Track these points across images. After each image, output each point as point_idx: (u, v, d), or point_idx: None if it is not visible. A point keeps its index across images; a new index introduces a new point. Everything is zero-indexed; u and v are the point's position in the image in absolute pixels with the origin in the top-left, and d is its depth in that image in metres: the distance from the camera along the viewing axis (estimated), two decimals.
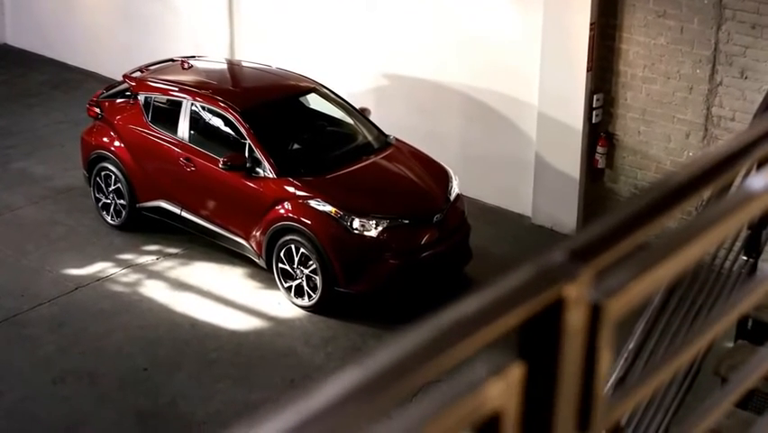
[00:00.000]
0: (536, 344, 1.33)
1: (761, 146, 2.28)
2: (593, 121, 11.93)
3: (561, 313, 1.33)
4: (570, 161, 12.11)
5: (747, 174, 4.25)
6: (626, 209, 1.56)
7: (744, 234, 5.60)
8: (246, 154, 10.95)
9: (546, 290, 1.31)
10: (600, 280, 1.39)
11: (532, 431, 1.33)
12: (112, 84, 13.04)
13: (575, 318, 1.35)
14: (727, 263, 5.54)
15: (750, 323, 5.53)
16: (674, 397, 5.19)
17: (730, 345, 5.53)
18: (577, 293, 1.35)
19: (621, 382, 4.80)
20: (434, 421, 1.18)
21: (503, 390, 1.26)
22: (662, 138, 11.61)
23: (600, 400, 1.44)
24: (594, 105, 11.85)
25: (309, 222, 10.52)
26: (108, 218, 12.30)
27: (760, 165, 3.85)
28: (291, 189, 10.71)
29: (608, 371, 1.44)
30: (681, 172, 1.69)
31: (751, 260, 5.59)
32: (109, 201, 12.26)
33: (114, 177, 12.13)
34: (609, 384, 4.82)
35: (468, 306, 1.27)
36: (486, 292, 1.30)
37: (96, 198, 12.40)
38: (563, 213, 12.24)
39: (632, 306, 1.44)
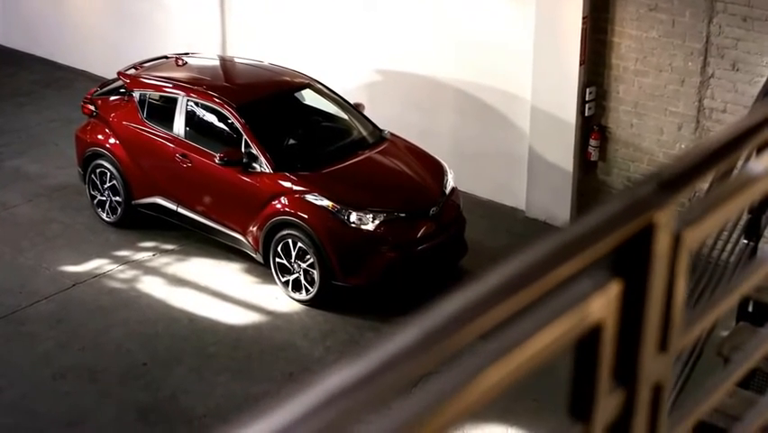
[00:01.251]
0: (631, 264, 1.45)
1: (761, 132, 2.35)
2: (586, 114, 12.02)
3: (651, 238, 1.47)
4: (563, 155, 12.20)
5: (748, 159, 4.34)
6: (701, 151, 1.69)
7: (744, 218, 5.69)
8: (242, 150, 11.00)
9: (640, 216, 1.45)
10: (681, 212, 1.52)
11: (624, 345, 1.45)
12: (106, 81, 13.06)
13: (662, 243, 1.49)
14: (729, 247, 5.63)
15: (751, 305, 5.62)
16: (678, 376, 5.28)
17: (732, 326, 5.62)
18: (665, 220, 1.48)
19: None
20: (546, 330, 1.32)
21: (604, 304, 1.39)
22: (654, 130, 11.70)
23: (677, 324, 1.54)
24: (587, 99, 11.94)
25: (307, 216, 10.58)
26: (104, 215, 12.33)
27: (759, 150, 3.93)
28: (288, 184, 10.77)
29: (683, 299, 1.53)
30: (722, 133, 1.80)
31: (751, 243, 5.69)
32: (104, 198, 12.29)
33: (109, 174, 12.17)
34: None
35: (574, 229, 1.40)
36: (588, 217, 1.43)
37: (91, 195, 12.43)
38: (557, 206, 12.33)
39: (705, 237, 1.54)
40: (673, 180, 1.58)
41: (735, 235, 5.63)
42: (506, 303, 1.28)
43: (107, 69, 15.46)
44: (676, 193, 1.53)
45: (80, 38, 17.06)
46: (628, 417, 1.52)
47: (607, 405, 1.48)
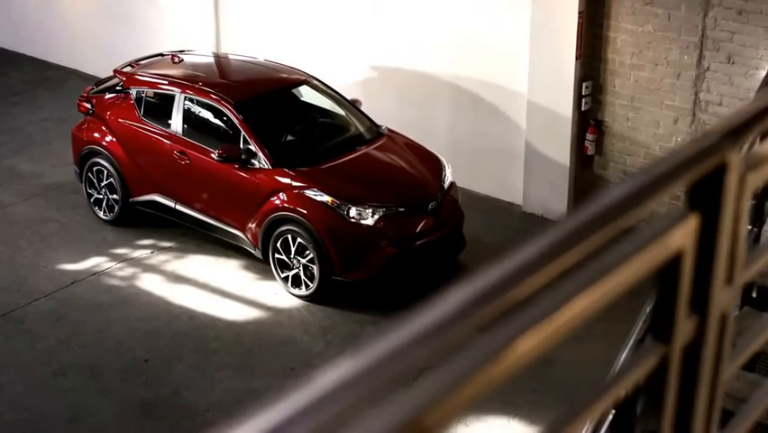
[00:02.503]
0: (706, 200, 1.60)
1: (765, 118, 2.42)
2: (582, 109, 12.07)
3: (724, 176, 1.60)
4: (559, 149, 12.24)
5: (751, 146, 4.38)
6: (763, 103, 1.77)
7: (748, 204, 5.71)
8: (241, 146, 11.00)
9: (715, 156, 1.58)
10: (743, 157, 1.67)
11: (697, 275, 1.60)
12: (101, 79, 13.04)
13: (732, 182, 1.63)
14: None
15: (754, 290, 5.65)
16: None
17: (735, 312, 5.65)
18: (735, 162, 1.61)
19: (640, 342, 4.92)
20: (636, 256, 1.44)
21: (684, 235, 1.54)
22: (650, 124, 11.76)
23: (741, 260, 1.72)
24: (583, 93, 11.99)
25: (306, 212, 10.59)
26: (100, 213, 12.32)
27: (763, 137, 3.97)
28: (287, 180, 10.78)
29: (745, 236, 1.69)
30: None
31: (755, 229, 5.72)
32: (101, 196, 12.27)
33: (106, 172, 12.15)
34: (630, 343, 4.94)
35: (655, 167, 1.52)
36: (668, 157, 1.56)
37: (87, 193, 12.41)
38: (554, 200, 12.37)
39: (762, 182, 1.72)
40: (740, 127, 1.70)
41: None
42: (600, 233, 1.39)
43: (99, 67, 15.45)
44: (743, 138, 1.66)
45: (71, 37, 17.03)
46: (700, 341, 1.67)
47: (684, 329, 1.62)
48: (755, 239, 5.70)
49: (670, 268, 1.56)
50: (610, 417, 4.66)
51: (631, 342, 4.93)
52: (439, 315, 1.21)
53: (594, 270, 1.40)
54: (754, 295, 5.70)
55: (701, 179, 1.58)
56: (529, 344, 1.29)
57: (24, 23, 17.65)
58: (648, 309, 5.02)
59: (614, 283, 1.40)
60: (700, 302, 1.64)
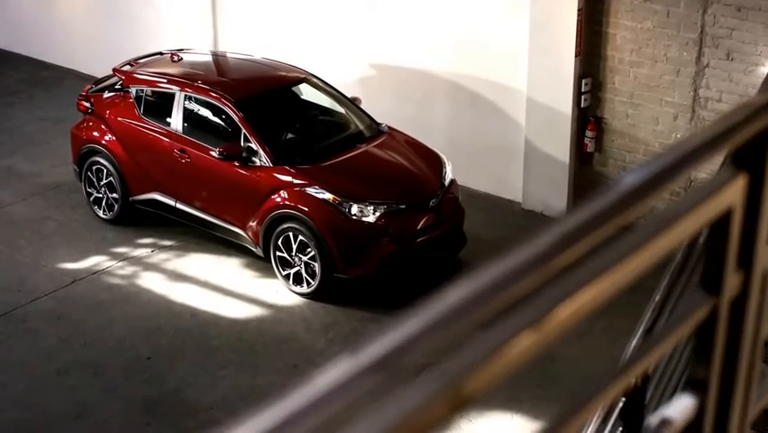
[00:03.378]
0: (754, 161, 1.69)
1: None
2: (582, 105, 12.10)
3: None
4: (559, 146, 12.27)
5: None
6: None
7: None
8: (241, 144, 11.01)
9: (761, 119, 1.67)
10: None
11: (744, 232, 1.70)
12: (101, 78, 13.03)
13: None
14: None
15: None
16: (684, 347, 5.34)
17: None
18: None
19: (649, 331, 4.94)
20: (692, 211, 1.54)
21: (734, 193, 1.64)
22: (650, 121, 11.79)
23: None
24: (582, 90, 12.02)
25: (307, 209, 10.60)
26: (100, 213, 12.31)
27: None
28: (288, 178, 10.79)
29: None
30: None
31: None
32: (101, 195, 12.26)
33: (105, 171, 12.14)
34: (639, 334, 4.97)
35: (708, 130, 1.61)
36: (719, 120, 1.64)
37: (87, 192, 12.40)
38: (554, 197, 12.40)
39: None
40: None
41: None
42: (658, 190, 1.49)
43: (95, 67, 15.44)
44: None
45: (67, 37, 17.02)
46: (745, 296, 1.76)
47: (732, 282, 1.72)
48: None
49: (720, 224, 1.66)
50: (620, 404, 4.70)
51: (640, 331, 4.96)
52: (475, 291, 1.23)
53: (655, 222, 1.49)
54: None
55: (750, 140, 1.66)
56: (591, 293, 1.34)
57: (20, 22, 17.63)
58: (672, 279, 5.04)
59: (672, 237, 1.49)
60: (746, 259, 1.74)
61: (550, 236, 1.33)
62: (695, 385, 1.76)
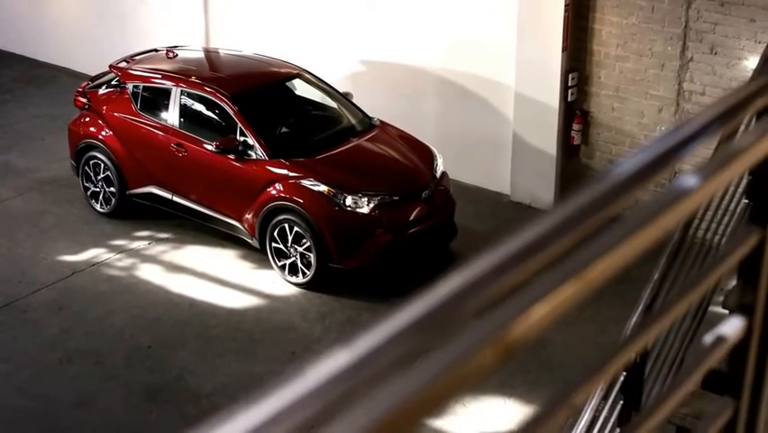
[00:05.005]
0: None
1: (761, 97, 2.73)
2: (569, 99, 12.37)
3: None
4: (546, 139, 12.54)
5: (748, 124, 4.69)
6: None
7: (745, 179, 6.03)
8: (237, 138, 11.25)
9: None
10: None
11: None
12: (97, 75, 13.24)
13: None
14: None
15: None
16: (689, 328, 5.62)
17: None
18: None
19: (649, 308, 5.22)
20: (741, 156, 1.76)
21: None
22: (635, 114, 12.08)
23: None
24: (569, 84, 12.30)
25: (303, 201, 10.85)
26: (97, 206, 12.53)
27: (759, 116, 4.27)
28: (283, 171, 11.04)
29: None
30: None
31: (752, 203, 6.03)
32: (98, 189, 12.49)
33: (103, 165, 12.36)
34: (639, 310, 5.25)
35: (743, 87, 1.85)
36: (741, 88, 1.86)
37: (84, 186, 12.62)
38: (541, 189, 12.67)
39: None
40: None
41: (737, 196, 5.96)
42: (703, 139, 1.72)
43: (88, 65, 15.65)
44: None
45: (60, 35, 17.19)
46: None
47: None
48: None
49: (765, 166, 1.92)
50: (621, 378, 4.97)
51: (640, 308, 5.23)
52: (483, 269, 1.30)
53: (715, 160, 1.72)
54: None
55: None
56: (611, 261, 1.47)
57: (13, 21, 17.79)
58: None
59: (725, 176, 1.73)
60: None
61: (588, 193, 1.48)
62: (743, 309, 1.96)
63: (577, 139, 12.53)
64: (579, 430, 5.12)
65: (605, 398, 5.15)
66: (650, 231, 1.52)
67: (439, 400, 1.17)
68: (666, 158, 1.64)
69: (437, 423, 8.97)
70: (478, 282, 1.27)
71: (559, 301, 1.34)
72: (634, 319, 5.23)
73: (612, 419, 5.02)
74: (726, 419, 2.04)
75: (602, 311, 9.82)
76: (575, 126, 12.48)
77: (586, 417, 5.12)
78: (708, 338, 1.88)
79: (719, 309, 6.00)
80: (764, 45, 10.11)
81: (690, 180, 1.67)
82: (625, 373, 4.91)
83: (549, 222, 1.39)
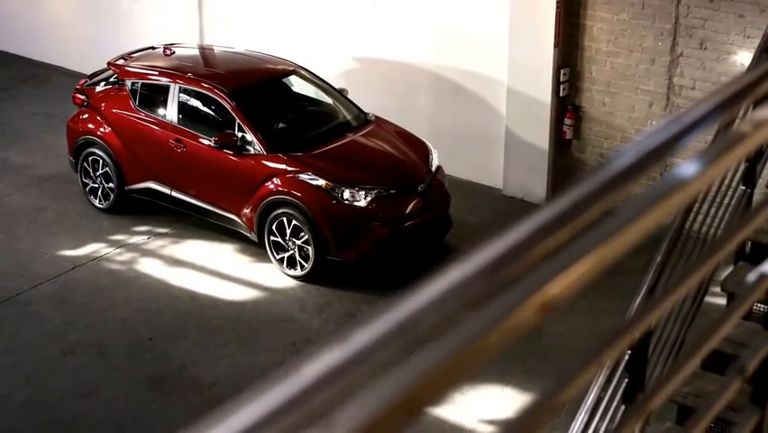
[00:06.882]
0: None
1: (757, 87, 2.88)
2: (560, 94, 12.57)
3: None
4: (538, 134, 12.74)
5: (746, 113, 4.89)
6: None
7: (742, 166, 6.22)
8: (235, 133, 11.42)
9: None
10: None
11: None
12: (95, 72, 13.37)
13: None
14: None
15: (748, 246, 6.15)
16: (689, 310, 5.81)
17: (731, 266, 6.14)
18: None
19: (651, 291, 5.40)
20: (736, 144, 1.89)
21: None
22: (626, 108, 12.28)
23: None
24: (561, 80, 12.50)
25: (301, 195, 11.03)
26: (96, 202, 12.67)
27: (756, 104, 4.47)
28: (281, 165, 11.21)
29: None
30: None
31: (748, 189, 6.23)
32: (97, 185, 12.63)
33: (101, 161, 12.51)
34: (642, 293, 5.43)
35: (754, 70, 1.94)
36: (738, 78, 2.01)
37: (83, 182, 12.76)
38: (534, 184, 12.86)
39: None
40: None
41: (734, 183, 6.15)
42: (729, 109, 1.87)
43: (83, 64, 15.79)
44: None
45: (54, 34, 17.31)
46: None
47: None
48: (748, 200, 6.22)
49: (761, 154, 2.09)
50: (626, 357, 5.15)
51: (643, 291, 5.41)
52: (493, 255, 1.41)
53: (713, 148, 1.83)
54: (748, 251, 6.20)
55: None
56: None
57: (7, 20, 17.90)
58: (657, 262, 5.50)
59: (723, 163, 1.85)
60: None
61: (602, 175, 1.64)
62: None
63: (569, 133, 12.73)
64: (586, 407, 5.30)
65: (610, 377, 5.31)
66: (656, 213, 1.65)
67: (531, 320, 1.32)
68: (673, 142, 1.78)
69: (437, 411, 9.14)
70: (518, 248, 1.42)
71: (589, 266, 1.48)
72: (637, 301, 5.41)
73: (617, 397, 5.20)
74: (750, 428, 2.18)
75: (596, 302, 10.04)
76: (567, 121, 12.68)
77: (592, 395, 5.30)
78: (752, 276, 2.03)
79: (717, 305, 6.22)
80: (753, 40, 10.34)
81: (690, 167, 1.78)
82: (629, 352, 5.08)
83: (577, 193, 1.54)
